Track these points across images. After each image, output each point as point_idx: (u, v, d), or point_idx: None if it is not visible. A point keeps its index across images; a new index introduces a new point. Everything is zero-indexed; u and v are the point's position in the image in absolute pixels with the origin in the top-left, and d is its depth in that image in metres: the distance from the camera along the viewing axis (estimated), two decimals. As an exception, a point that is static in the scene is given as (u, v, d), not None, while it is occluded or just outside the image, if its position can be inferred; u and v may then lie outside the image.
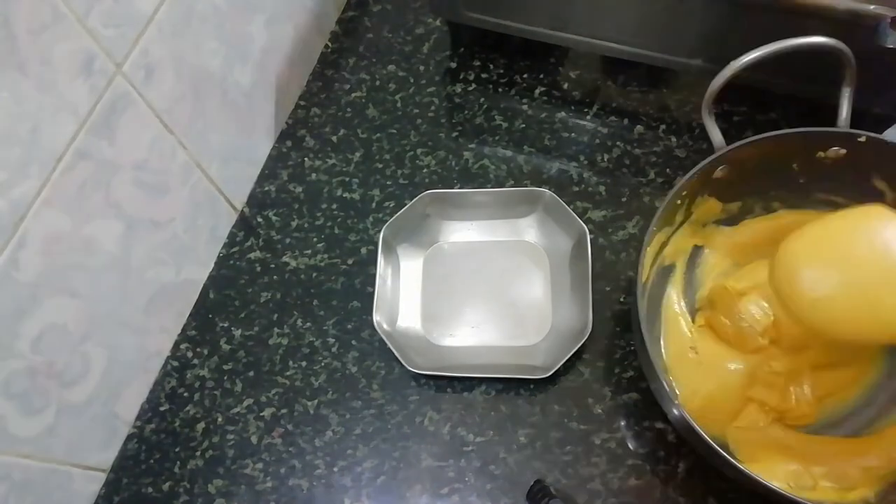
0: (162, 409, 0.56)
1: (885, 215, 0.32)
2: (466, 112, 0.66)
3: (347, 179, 0.64)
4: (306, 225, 0.62)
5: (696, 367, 0.50)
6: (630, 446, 0.51)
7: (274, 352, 0.57)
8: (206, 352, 0.58)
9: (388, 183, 0.63)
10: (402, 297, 0.58)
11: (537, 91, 0.66)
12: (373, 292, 0.56)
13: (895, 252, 0.31)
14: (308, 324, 0.58)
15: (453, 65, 0.68)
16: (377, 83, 0.68)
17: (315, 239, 0.62)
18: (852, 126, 0.47)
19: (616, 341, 0.54)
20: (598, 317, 0.53)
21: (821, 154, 0.49)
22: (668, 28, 0.56)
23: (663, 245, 0.51)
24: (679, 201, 0.50)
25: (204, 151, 0.56)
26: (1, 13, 0.37)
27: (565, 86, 0.66)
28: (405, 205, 0.58)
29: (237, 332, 0.59)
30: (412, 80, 0.68)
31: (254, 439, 0.54)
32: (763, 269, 0.53)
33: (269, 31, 0.61)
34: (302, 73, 0.69)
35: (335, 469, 0.53)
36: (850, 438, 0.47)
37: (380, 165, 0.64)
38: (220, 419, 0.55)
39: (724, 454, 0.40)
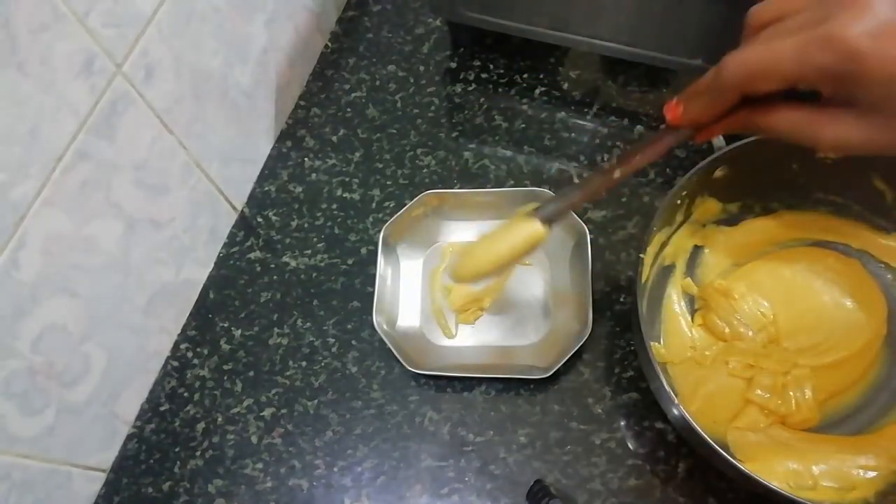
0: (162, 409, 0.56)
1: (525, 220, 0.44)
2: (466, 112, 0.66)
3: (347, 179, 0.64)
4: (306, 225, 0.62)
5: (696, 367, 0.50)
6: (630, 446, 0.51)
7: (274, 352, 0.57)
8: (206, 352, 0.58)
9: (388, 183, 0.63)
10: (402, 297, 0.58)
11: (537, 91, 0.66)
12: (373, 292, 0.56)
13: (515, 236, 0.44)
14: (308, 324, 0.58)
15: (453, 65, 0.68)
16: (377, 83, 0.68)
17: (315, 239, 0.62)
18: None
19: (616, 341, 0.54)
20: (598, 317, 0.53)
21: (821, 154, 0.49)
22: (668, 28, 0.56)
23: (663, 245, 0.52)
24: (679, 201, 0.50)
25: (204, 151, 0.56)
26: (1, 13, 0.37)
27: (565, 86, 0.66)
28: (405, 205, 0.58)
29: (237, 332, 0.59)
30: (412, 80, 0.68)
31: (254, 439, 0.54)
32: (759, 269, 0.53)
33: (269, 31, 0.61)
34: (302, 73, 0.69)
35: (335, 469, 0.53)
36: (850, 437, 0.47)
37: (380, 165, 0.64)
38: (220, 419, 0.55)
39: (724, 454, 0.40)
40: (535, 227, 0.43)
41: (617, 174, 0.40)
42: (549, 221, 0.43)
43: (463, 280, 0.48)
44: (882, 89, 0.29)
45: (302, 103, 0.69)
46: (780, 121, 0.33)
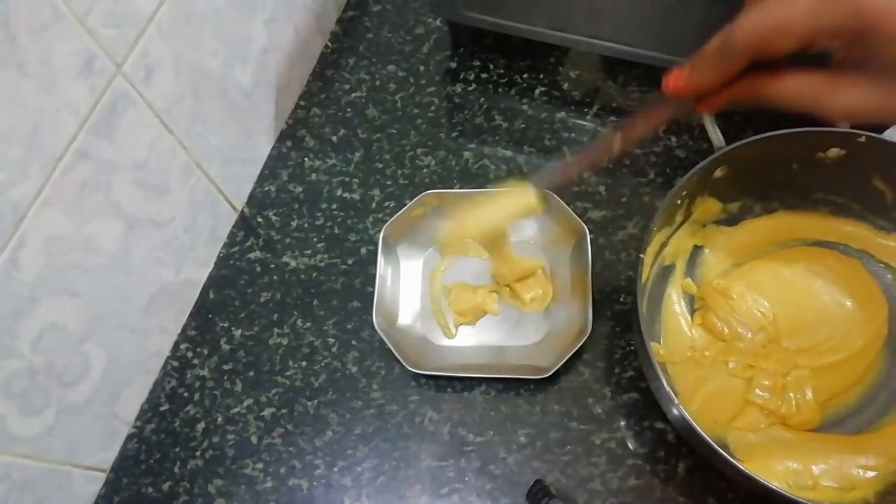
0: (162, 409, 0.56)
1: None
2: (466, 112, 0.66)
3: (347, 179, 0.64)
4: (306, 225, 0.62)
5: (695, 367, 0.50)
6: (630, 446, 0.51)
7: (274, 352, 0.57)
8: (206, 352, 0.58)
9: (388, 183, 0.63)
10: (402, 297, 0.58)
11: (537, 91, 0.66)
12: (373, 292, 0.56)
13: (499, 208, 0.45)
14: (308, 324, 0.58)
15: (453, 65, 0.68)
16: (377, 83, 0.68)
17: (315, 239, 0.62)
18: (852, 126, 0.47)
19: (616, 341, 0.54)
20: (598, 317, 0.53)
21: (821, 154, 0.49)
22: (668, 28, 0.56)
23: (663, 245, 0.51)
24: (679, 201, 0.50)
25: (204, 151, 0.56)
26: (1, 13, 0.37)
27: (565, 86, 0.66)
28: (405, 205, 0.58)
29: (237, 332, 0.59)
30: (412, 80, 0.68)
31: (254, 439, 0.54)
32: (759, 269, 0.53)
33: (269, 31, 0.61)
34: (302, 73, 0.69)
35: (335, 469, 0.53)
36: (850, 437, 0.47)
37: (380, 165, 0.64)
38: (220, 419, 0.55)
39: (724, 454, 0.40)
40: (526, 194, 0.42)
41: (614, 146, 0.40)
42: (542, 188, 0.42)
43: (452, 249, 0.48)
44: (894, 48, 0.28)
45: (302, 103, 0.69)
46: (788, 88, 0.32)
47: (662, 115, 0.38)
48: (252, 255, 0.62)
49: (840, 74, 0.31)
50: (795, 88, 0.32)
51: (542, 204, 0.43)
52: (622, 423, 0.51)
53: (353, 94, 0.68)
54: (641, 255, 0.46)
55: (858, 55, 0.30)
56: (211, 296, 0.61)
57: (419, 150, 0.64)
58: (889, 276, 0.52)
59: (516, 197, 0.43)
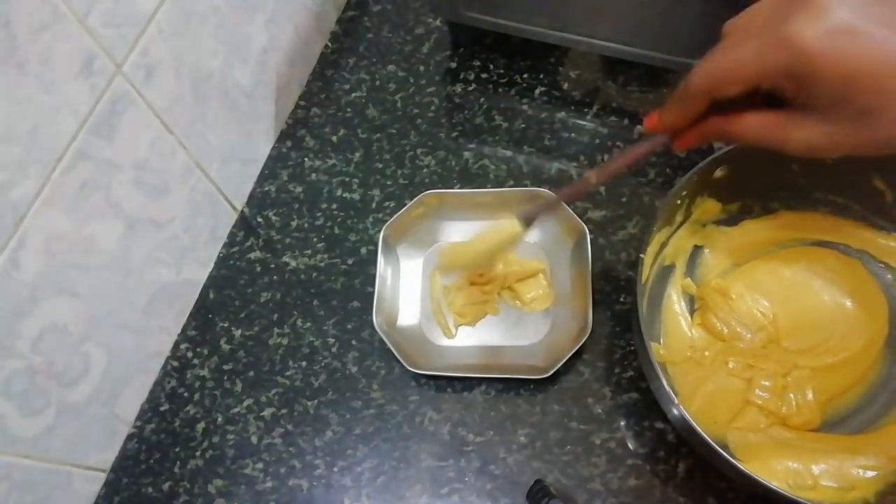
0: (162, 409, 0.56)
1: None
2: (466, 112, 0.66)
3: (347, 179, 0.64)
4: (306, 225, 0.62)
5: (695, 367, 0.50)
6: (630, 446, 0.51)
7: (274, 352, 0.57)
8: (206, 352, 0.58)
9: (388, 183, 0.63)
10: (402, 297, 0.58)
11: (537, 91, 0.66)
12: (373, 292, 0.56)
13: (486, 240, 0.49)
14: (308, 324, 0.58)
15: (453, 65, 0.68)
16: (377, 83, 0.69)
17: (315, 239, 0.62)
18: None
19: (616, 341, 0.54)
20: (598, 317, 0.53)
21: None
22: (668, 28, 0.56)
23: (663, 245, 0.52)
24: (679, 201, 0.50)
25: (204, 151, 0.56)
26: (1, 13, 0.37)
27: (565, 86, 0.66)
28: (405, 205, 0.58)
29: (237, 332, 0.59)
30: (412, 80, 0.68)
31: (254, 439, 0.54)
32: (758, 269, 0.53)
33: (269, 31, 0.61)
34: (302, 73, 0.69)
35: (335, 469, 0.53)
36: (849, 437, 0.47)
37: (380, 165, 0.64)
38: (220, 419, 0.55)
39: (724, 454, 0.40)
40: (512, 226, 0.46)
41: (594, 179, 0.43)
42: (526, 220, 0.46)
43: (445, 272, 0.54)
44: (835, 90, 0.30)
45: (302, 103, 0.69)
46: (749, 126, 0.34)
47: (639, 151, 0.41)
48: (252, 255, 0.62)
49: (794, 113, 0.33)
50: (756, 127, 0.34)
51: (524, 232, 0.47)
52: (622, 423, 0.51)
53: (353, 94, 0.68)
54: (641, 255, 0.46)
55: (804, 96, 0.31)
56: (211, 296, 0.61)
57: (419, 150, 0.64)
58: (889, 276, 0.52)
59: (503, 229, 0.47)
